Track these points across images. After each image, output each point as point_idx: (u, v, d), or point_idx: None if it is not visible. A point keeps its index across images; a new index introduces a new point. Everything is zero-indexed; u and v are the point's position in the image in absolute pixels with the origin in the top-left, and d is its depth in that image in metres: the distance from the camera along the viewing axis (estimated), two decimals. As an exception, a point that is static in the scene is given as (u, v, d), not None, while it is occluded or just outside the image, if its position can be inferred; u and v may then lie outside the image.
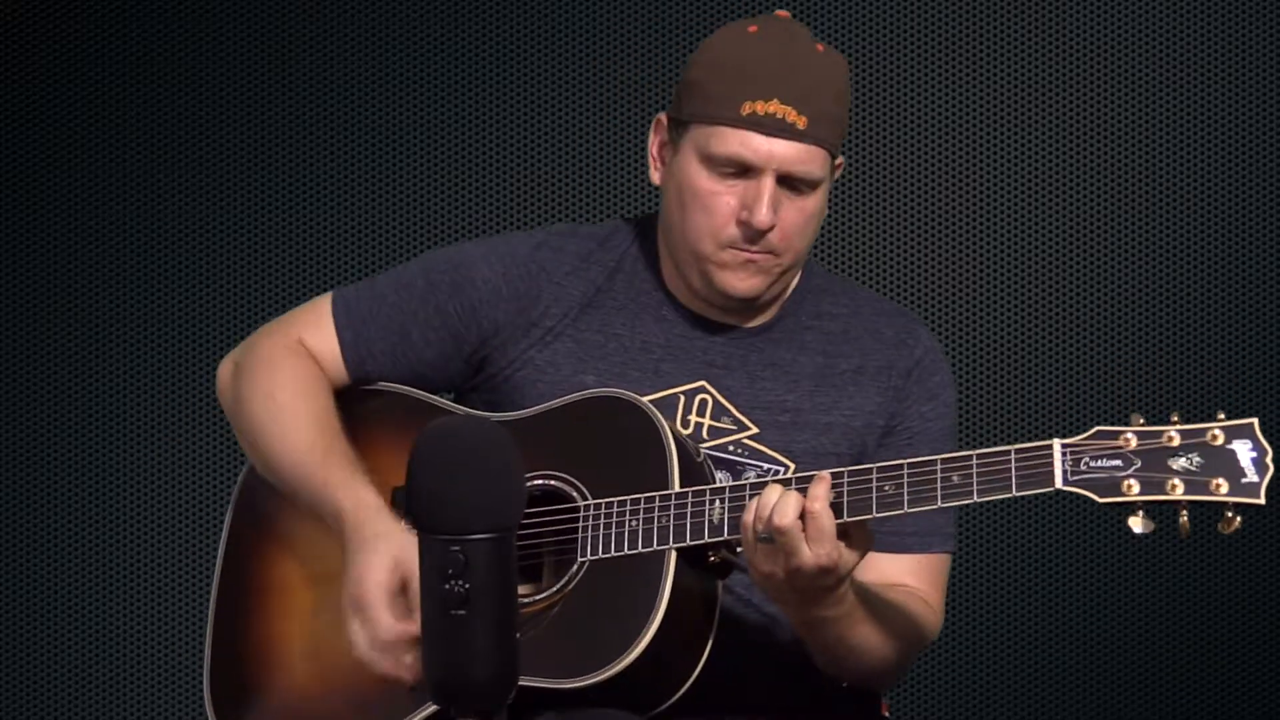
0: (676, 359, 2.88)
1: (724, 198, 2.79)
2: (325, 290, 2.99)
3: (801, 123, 2.77)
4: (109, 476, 4.36)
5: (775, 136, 2.77)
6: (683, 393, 2.86)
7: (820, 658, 2.77)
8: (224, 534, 2.96)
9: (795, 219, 2.81)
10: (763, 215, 2.77)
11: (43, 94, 4.38)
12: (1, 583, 4.38)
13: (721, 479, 2.80)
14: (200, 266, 4.36)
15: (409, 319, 2.90)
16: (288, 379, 2.89)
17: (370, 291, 2.94)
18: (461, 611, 2.11)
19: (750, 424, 2.86)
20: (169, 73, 4.37)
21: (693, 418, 2.85)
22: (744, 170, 2.78)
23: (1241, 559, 4.19)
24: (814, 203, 2.82)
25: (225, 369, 2.97)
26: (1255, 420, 2.48)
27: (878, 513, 2.59)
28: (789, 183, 2.79)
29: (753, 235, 2.79)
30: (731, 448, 2.85)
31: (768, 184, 2.78)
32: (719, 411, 2.86)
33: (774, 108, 2.76)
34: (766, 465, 2.85)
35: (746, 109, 2.76)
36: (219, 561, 2.95)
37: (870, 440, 2.89)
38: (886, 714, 2.98)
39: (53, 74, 4.38)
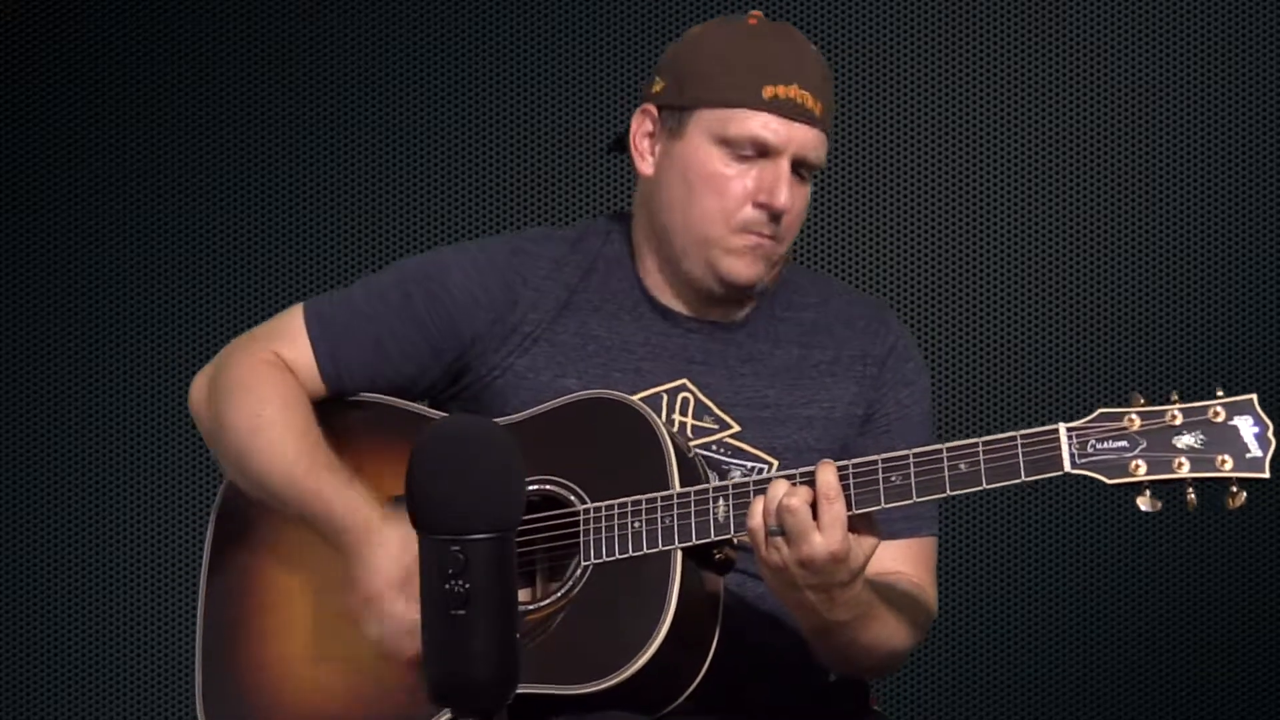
0: (656, 358, 2.87)
1: (738, 180, 2.80)
2: (323, 291, 2.97)
3: (818, 109, 2.80)
4: (107, 477, 4.36)
5: (796, 120, 2.79)
6: (665, 391, 2.86)
7: (828, 657, 2.77)
8: (206, 550, 2.93)
9: (799, 204, 2.83)
10: (783, 198, 2.79)
11: (43, 94, 4.38)
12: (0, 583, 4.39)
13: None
14: (200, 267, 4.36)
15: (384, 330, 2.87)
16: (267, 394, 2.85)
17: (344, 303, 2.90)
18: (462, 611, 2.10)
19: (732, 422, 2.85)
20: (169, 73, 4.37)
21: (676, 416, 2.84)
22: (760, 153, 2.79)
23: (1240, 546, 4.18)
24: (809, 189, 2.85)
25: (199, 388, 2.93)
26: (1254, 396, 2.51)
27: (886, 503, 2.59)
28: (797, 168, 2.81)
29: (771, 217, 2.80)
30: (714, 447, 2.85)
31: (785, 167, 2.79)
32: (700, 410, 2.85)
33: (794, 92, 2.78)
34: (750, 464, 2.84)
35: (769, 91, 2.77)
36: (203, 577, 2.93)
37: (850, 431, 2.89)
38: (875, 707, 2.98)
39: (53, 74, 4.38)
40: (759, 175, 2.79)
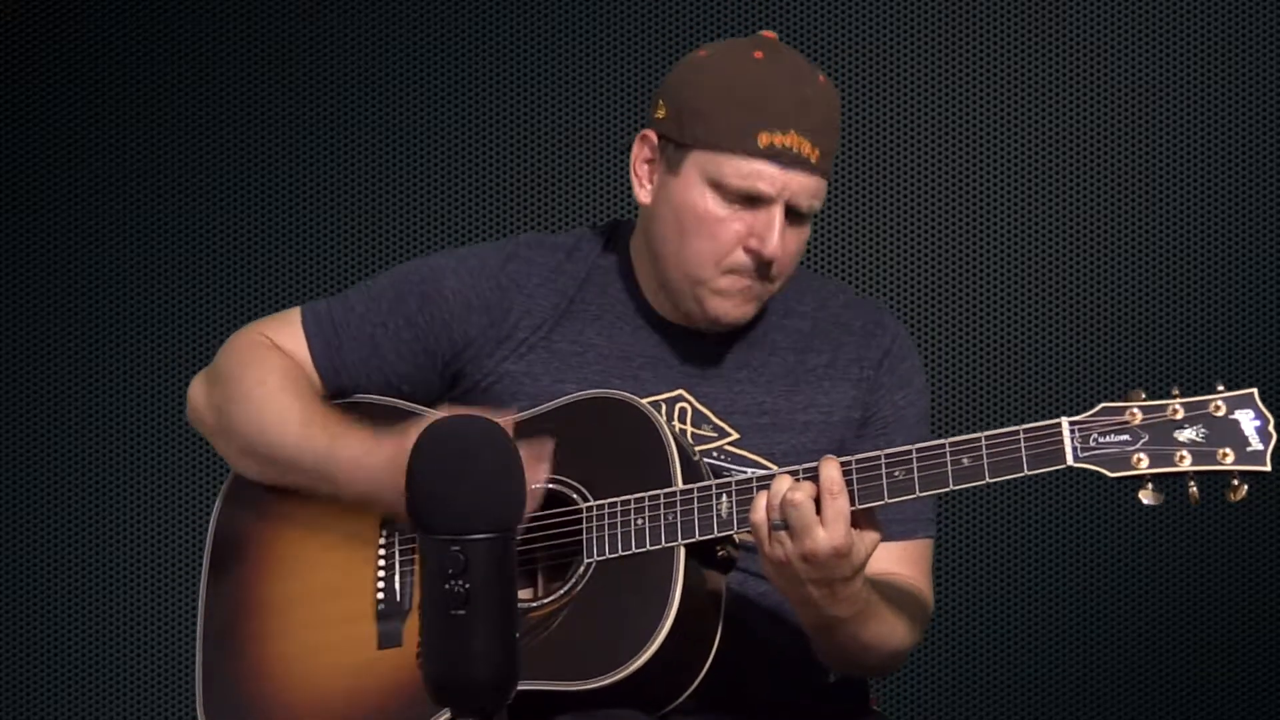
0: (654, 367, 2.88)
1: (730, 225, 2.78)
2: (322, 291, 2.98)
3: (815, 156, 2.77)
4: (107, 477, 4.36)
5: (790, 169, 2.76)
6: (663, 401, 2.86)
7: (828, 654, 2.78)
8: (206, 550, 2.93)
9: (794, 247, 2.82)
10: (773, 247, 2.77)
11: (43, 94, 4.38)
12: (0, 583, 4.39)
13: None
14: (200, 267, 4.36)
15: (379, 331, 2.89)
16: (268, 370, 2.87)
17: (340, 304, 2.92)
18: (462, 611, 2.10)
19: (730, 429, 2.86)
20: (169, 73, 4.37)
21: (675, 424, 2.85)
22: (754, 200, 2.78)
23: (1240, 545, 4.18)
24: (808, 229, 2.84)
25: (197, 390, 2.95)
26: (1255, 390, 2.52)
27: (890, 498, 2.60)
28: (793, 213, 2.79)
29: (760, 265, 2.79)
30: (715, 454, 2.85)
31: (778, 215, 2.77)
32: (699, 419, 2.86)
33: (790, 140, 2.75)
34: (750, 470, 2.84)
35: (764, 140, 2.75)
36: (203, 577, 2.92)
37: (848, 434, 2.89)
38: (875, 707, 2.98)
39: (53, 74, 4.38)
40: (752, 220, 2.78)
